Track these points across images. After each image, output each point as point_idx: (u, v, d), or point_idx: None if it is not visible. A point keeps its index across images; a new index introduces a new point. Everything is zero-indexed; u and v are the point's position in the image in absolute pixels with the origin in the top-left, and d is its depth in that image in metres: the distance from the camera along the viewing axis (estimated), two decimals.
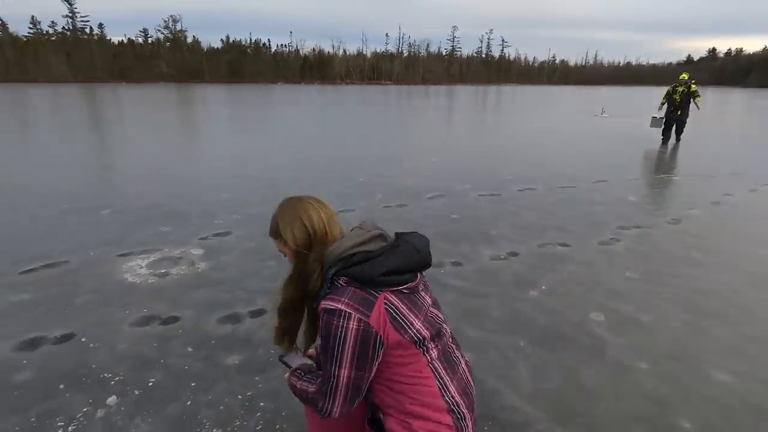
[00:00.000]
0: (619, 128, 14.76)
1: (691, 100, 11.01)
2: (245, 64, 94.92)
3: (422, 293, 1.25)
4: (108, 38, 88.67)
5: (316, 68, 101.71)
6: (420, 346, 1.18)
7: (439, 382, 1.21)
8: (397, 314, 1.15)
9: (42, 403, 2.14)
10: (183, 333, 2.75)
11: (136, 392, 2.23)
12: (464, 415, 1.23)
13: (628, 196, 6.17)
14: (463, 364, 1.34)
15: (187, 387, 2.27)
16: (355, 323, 1.10)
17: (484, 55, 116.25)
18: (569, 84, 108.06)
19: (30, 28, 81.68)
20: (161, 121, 16.73)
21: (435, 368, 1.21)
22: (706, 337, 2.77)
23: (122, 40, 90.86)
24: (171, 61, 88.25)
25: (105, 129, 13.84)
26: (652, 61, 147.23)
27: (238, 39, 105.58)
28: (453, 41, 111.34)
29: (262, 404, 2.15)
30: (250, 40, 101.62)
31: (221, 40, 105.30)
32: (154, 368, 2.41)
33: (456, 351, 1.34)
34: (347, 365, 1.13)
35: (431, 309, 1.26)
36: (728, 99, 40.81)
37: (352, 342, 1.11)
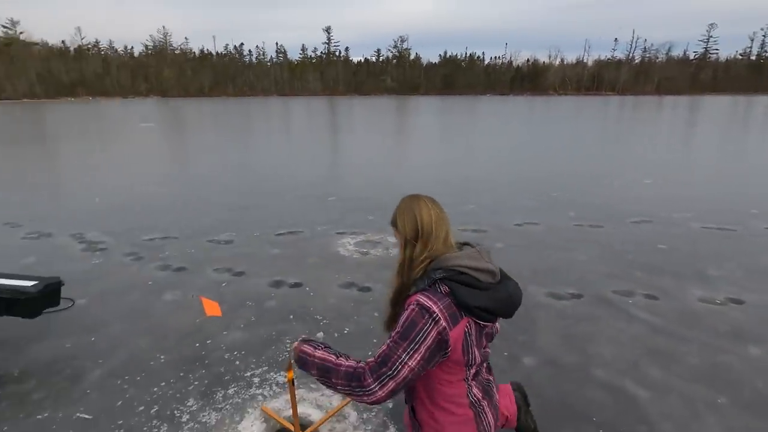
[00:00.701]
0: None
1: None
2: (458, 76, 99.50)
3: (488, 329, 1.42)
4: (350, 59, 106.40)
5: (527, 79, 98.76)
6: (467, 366, 1.37)
7: (467, 387, 1.42)
8: (469, 339, 1.31)
9: (279, 325, 3.03)
10: (372, 301, 3.36)
11: (335, 335, 2.90)
12: (483, 408, 1.45)
13: None
14: (485, 372, 1.54)
15: (370, 341, 2.81)
16: (440, 328, 1.24)
17: (753, 57, 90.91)
18: None
19: (300, 53, 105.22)
20: (380, 127, 19.36)
21: (468, 381, 1.42)
22: None
23: (360, 59, 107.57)
24: (395, 75, 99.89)
25: (338, 133, 16.94)
26: None
27: (454, 53, 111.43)
28: (707, 42, 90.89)
29: None
30: (466, 53, 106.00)
31: (439, 55, 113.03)
32: (349, 321, 3.06)
33: (482, 366, 1.52)
34: (417, 359, 1.24)
35: (485, 341, 1.45)
36: None
37: (431, 343, 1.24)
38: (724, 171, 8.76)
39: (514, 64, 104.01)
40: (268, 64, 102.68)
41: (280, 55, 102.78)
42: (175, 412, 2.22)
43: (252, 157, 11.00)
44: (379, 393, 1.26)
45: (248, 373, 2.51)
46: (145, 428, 2.11)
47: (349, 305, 3.29)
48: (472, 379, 1.44)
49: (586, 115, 27.61)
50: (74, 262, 4.13)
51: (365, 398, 1.29)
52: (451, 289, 1.26)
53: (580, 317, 3.12)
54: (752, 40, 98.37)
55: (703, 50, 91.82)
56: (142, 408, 2.24)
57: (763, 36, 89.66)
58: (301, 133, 17.47)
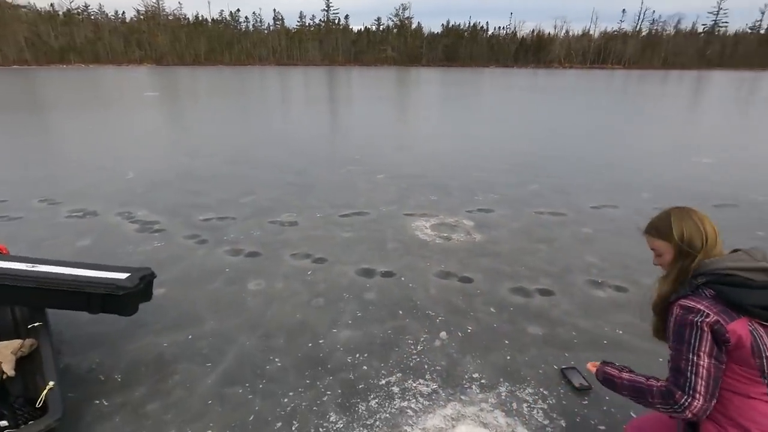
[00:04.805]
0: None
1: None
2: (460, 48, 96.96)
3: None
4: (350, 27, 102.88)
5: (532, 51, 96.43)
6: (764, 374, 1.21)
7: None
8: (759, 340, 1.20)
9: (391, 321, 2.73)
10: (480, 293, 3.06)
11: (459, 334, 2.60)
12: None
13: None
14: None
15: (502, 343, 2.52)
16: (711, 320, 1.19)
17: (763, 31, 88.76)
18: None
19: (298, 21, 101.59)
20: (393, 99, 18.71)
21: None
22: None
23: (360, 28, 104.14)
24: (396, 46, 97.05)
25: (351, 105, 16.32)
26: None
27: (457, 23, 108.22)
28: (717, 15, 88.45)
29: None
30: (469, 23, 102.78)
31: (442, 25, 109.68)
32: (467, 318, 2.77)
33: None
34: (706, 354, 1.19)
35: None
36: None
37: (709, 335, 1.19)
38: None
39: (518, 35, 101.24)
40: (265, 32, 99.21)
41: (278, 22, 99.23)
42: (320, 429, 1.93)
43: (274, 129, 10.49)
44: (695, 403, 1.20)
45: (382, 381, 2.22)
46: None
47: (458, 299, 2.99)
48: None
49: (599, 89, 26.91)
50: (134, 245, 3.78)
51: (687, 413, 1.22)
52: (716, 292, 1.23)
53: None
54: (763, 14, 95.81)
55: (712, 23, 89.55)
56: (279, 425, 1.95)
57: None
58: (316, 104, 16.81)
